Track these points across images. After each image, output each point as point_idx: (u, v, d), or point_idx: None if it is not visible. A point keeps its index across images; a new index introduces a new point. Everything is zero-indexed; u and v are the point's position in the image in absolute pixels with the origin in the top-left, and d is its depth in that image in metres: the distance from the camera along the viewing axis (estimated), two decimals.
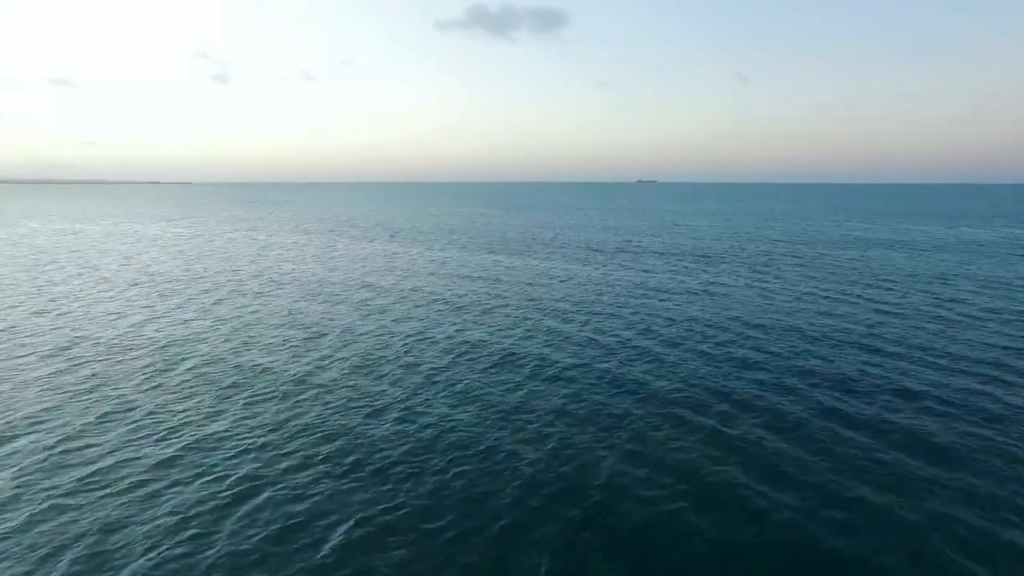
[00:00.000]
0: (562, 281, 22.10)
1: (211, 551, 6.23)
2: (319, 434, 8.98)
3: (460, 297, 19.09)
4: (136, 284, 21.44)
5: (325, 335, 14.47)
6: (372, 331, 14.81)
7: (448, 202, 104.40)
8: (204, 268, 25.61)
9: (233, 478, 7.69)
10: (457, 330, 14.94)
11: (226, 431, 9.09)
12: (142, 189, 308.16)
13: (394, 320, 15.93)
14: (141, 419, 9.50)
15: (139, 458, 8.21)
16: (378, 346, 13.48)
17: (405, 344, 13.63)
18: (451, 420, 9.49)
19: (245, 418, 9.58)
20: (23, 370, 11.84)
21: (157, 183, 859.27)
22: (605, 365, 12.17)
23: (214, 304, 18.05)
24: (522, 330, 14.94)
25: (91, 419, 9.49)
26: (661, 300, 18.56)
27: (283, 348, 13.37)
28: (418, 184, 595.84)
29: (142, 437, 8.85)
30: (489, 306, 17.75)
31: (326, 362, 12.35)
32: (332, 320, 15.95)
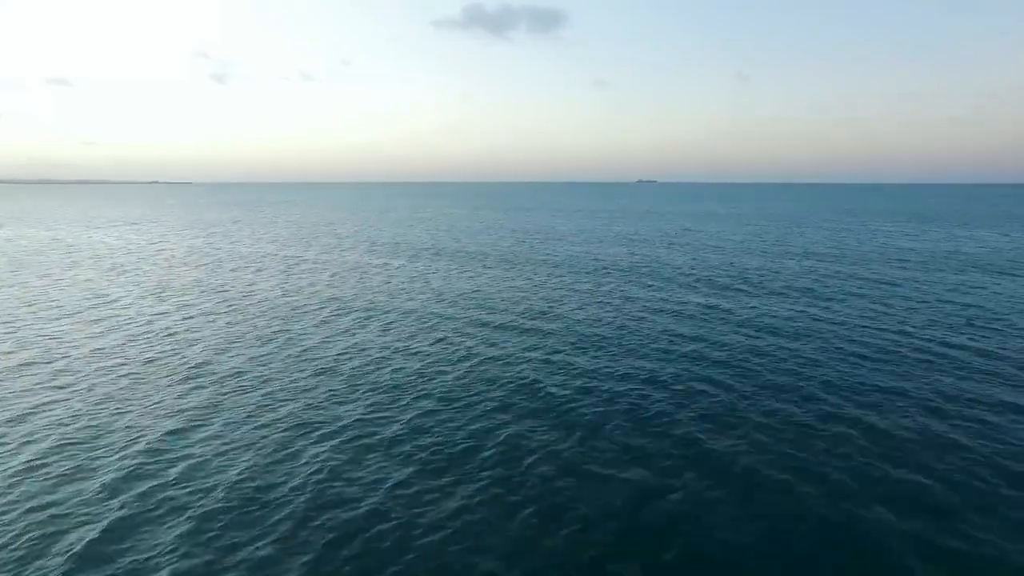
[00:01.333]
0: (559, 320, 16.86)
1: None
2: None
3: (413, 354, 13.85)
4: None
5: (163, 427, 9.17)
6: (228, 429, 9.54)
7: (447, 203, 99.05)
8: (118, 292, 20.39)
9: None
10: (382, 424, 9.71)
11: None
12: (142, 189, 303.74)
13: (276, 398, 10.58)
14: None
15: None
16: (220, 457, 8.21)
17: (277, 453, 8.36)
18: None
19: None
20: None
21: (156, 183, 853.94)
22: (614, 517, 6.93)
23: (64, 368, 12.85)
24: (487, 423, 9.73)
25: None
26: (699, 351, 13.32)
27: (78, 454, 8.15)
28: (418, 184, 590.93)
29: None
30: (447, 371, 12.49)
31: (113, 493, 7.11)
32: (183, 400, 10.55)
